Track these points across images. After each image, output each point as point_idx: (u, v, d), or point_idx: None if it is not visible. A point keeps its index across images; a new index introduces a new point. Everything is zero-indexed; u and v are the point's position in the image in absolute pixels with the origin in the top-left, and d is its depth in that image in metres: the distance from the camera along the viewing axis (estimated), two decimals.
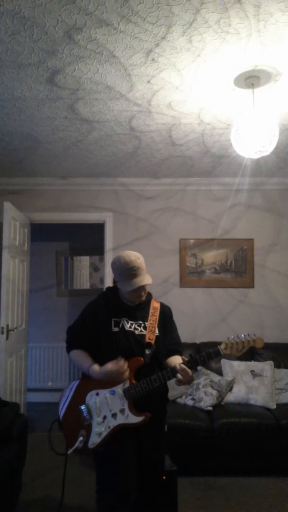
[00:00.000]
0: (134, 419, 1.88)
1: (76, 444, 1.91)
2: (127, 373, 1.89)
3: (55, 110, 2.76)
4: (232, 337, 1.94)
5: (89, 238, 5.31)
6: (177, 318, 4.56)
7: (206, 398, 3.41)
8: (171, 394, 3.58)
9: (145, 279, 1.97)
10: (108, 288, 2.20)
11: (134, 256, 2.00)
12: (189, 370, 1.87)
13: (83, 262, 5.70)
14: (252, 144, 2.39)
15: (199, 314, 4.32)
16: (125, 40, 2.00)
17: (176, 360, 2.01)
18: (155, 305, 2.13)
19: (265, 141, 2.37)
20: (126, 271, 1.96)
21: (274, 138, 2.38)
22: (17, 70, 2.27)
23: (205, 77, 2.34)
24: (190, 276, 4.40)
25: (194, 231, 4.42)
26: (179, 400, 3.59)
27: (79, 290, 5.56)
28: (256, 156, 2.44)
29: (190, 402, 3.49)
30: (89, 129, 3.08)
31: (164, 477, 2.44)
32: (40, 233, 4.99)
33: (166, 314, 2.15)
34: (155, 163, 3.88)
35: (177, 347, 2.13)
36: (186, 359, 1.92)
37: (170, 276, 4.38)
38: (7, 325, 3.69)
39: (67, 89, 2.48)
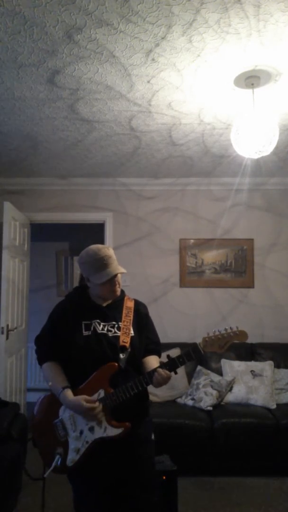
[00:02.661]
0: (113, 431, 1.72)
1: (53, 464, 1.75)
2: (99, 416, 1.72)
3: (55, 110, 2.76)
4: (213, 331, 1.75)
5: (89, 238, 5.29)
6: (177, 318, 4.58)
7: (206, 398, 3.41)
8: (171, 394, 3.59)
9: (119, 268, 1.81)
10: (76, 288, 2.00)
11: (103, 246, 1.86)
12: (169, 374, 1.72)
13: None
14: (252, 144, 2.39)
15: (199, 314, 4.32)
16: (125, 40, 2.00)
17: (152, 362, 1.88)
18: (128, 304, 1.94)
19: (265, 141, 2.37)
20: (96, 262, 1.79)
21: (274, 138, 2.38)
22: (17, 70, 2.26)
23: (205, 77, 2.34)
24: (190, 276, 4.40)
25: (194, 231, 4.42)
26: (179, 400, 3.59)
27: None
28: (256, 156, 2.44)
29: (190, 402, 3.49)
30: (89, 129, 3.08)
31: (164, 477, 2.44)
32: (40, 233, 4.99)
33: (141, 312, 1.96)
34: (155, 163, 3.87)
35: (155, 347, 1.99)
36: (164, 361, 1.77)
37: (170, 276, 4.39)
38: (7, 325, 3.69)
39: (67, 89, 2.48)
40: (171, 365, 1.75)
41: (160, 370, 1.73)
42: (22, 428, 2.88)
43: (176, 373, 1.77)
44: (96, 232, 4.74)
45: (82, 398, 1.71)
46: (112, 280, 1.82)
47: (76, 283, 5.60)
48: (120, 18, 1.85)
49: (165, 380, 1.72)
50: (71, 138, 3.27)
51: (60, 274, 5.57)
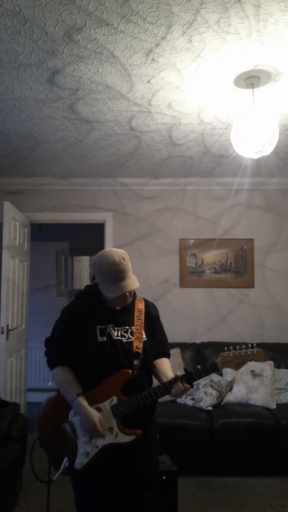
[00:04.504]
0: (125, 438, 1.72)
1: (62, 467, 1.75)
2: (104, 432, 1.73)
3: (55, 110, 2.76)
4: (231, 347, 1.77)
5: (89, 238, 5.31)
6: (177, 318, 4.58)
7: (206, 398, 3.41)
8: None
9: (132, 284, 1.75)
10: (88, 287, 1.91)
11: (118, 256, 1.74)
12: (187, 386, 1.74)
13: (83, 262, 5.70)
14: (252, 144, 2.39)
15: (199, 314, 4.32)
16: (125, 40, 2.00)
17: (164, 366, 1.89)
18: (139, 306, 1.90)
19: (265, 141, 2.37)
20: (110, 275, 1.72)
21: (274, 138, 2.38)
22: (17, 70, 2.27)
23: (205, 77, 2.34)
24: (190, 276, 4.40)
25: (194, 231, 4.42)
26: (179, 400, 3.58)
27: (79, 290, 5.56)
28: (256, 156, 2.44)
29: (190, 402, 3.49)
30: (89, 129, 3.08)
31: (164, 477, 2.45)
32: (40, 233, 4.99)
33: (152, 314, 1.94)
34: (155, 163, 3.87)
35: (165, 349, 1.99)
36: (180, 374, 1.76)
37: (170, 276, 4.39)
38: (7, 325, 3.69)
39: (67, 89, 2.48)
40: (188, 378, 1.76)
41: (180, 384, 1.73)
42: (22, 428, 2.88)
43: (192, 386, 1.80)
44: (96, 232, 4.75)
45: (97, 417, 1.71)
46: (123, 294, 1.77)
47: (76, 282, 5.62)
48: (120, 18, 1.85)
49: (183, 392, 1.76)
50: (71, 138, 3.27)
51: (60, 274, 5.57)
